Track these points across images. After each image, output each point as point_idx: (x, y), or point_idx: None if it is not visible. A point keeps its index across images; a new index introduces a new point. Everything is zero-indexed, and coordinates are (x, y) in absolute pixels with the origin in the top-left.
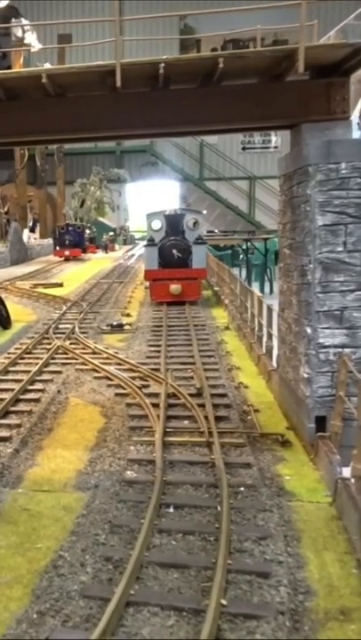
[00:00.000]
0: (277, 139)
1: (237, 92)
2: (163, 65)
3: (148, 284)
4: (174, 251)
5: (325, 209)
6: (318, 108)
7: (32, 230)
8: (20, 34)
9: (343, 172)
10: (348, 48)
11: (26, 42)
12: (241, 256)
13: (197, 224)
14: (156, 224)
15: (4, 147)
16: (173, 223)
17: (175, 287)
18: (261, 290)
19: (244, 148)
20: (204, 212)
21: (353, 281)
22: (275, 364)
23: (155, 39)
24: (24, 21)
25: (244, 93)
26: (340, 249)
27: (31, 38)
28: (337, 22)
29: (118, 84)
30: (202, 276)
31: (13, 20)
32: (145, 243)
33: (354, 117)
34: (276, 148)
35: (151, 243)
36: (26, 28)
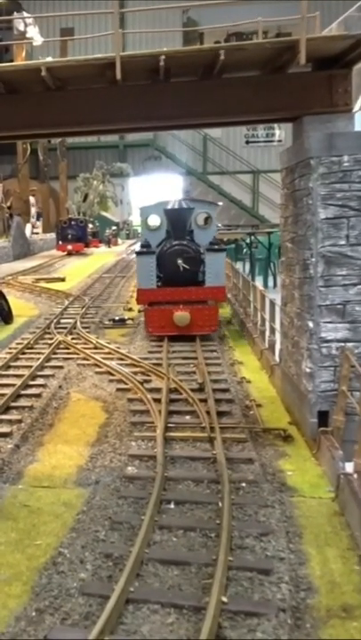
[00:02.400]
0: (281, 132)
1: (239, 84)
2: (163, 57)
3: (142, 307)
4: (179, 260)
5: (328, 202)
6: (320, 100)
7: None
8: (21, 28)
9: (346, 164)
10: (350, 40)
11: (28, 36)
12: (245, 250)
13: (210, 220)
14: (154, 220)
15: (4, 141)
16: (177, 220)
17: (181, 315)
18: (265, 284)
19: (247, 142)
20: (220, 203)
21: (355, 275)
22: (277, 358)
23: (157, 32)
24: (25, 15)
25: (245, 85)
26: (342, 242)
27: (33, 32)
28: (340, 14)
29: (118, 76)
30: (219, 298)
31: (15, 13)
32: (137, 248)
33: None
34: (279, 141)
35: (146, 249)
36: (28, 22)
